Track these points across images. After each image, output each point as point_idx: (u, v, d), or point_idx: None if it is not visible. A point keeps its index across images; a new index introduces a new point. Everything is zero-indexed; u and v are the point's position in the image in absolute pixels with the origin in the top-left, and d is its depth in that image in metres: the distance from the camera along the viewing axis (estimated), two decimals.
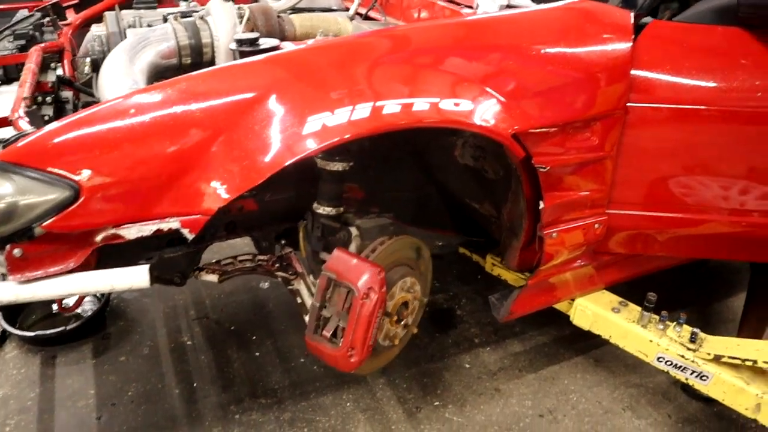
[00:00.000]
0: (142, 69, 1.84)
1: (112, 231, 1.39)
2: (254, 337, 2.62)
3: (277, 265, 1.96)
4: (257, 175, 1.36)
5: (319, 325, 1.62)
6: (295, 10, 2.15)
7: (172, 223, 1.40)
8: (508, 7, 1.91)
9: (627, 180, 1.85)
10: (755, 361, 1.83)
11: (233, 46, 1.74)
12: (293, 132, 1.38)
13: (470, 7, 2.03)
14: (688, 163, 1.86)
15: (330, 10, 2.26)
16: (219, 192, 1.38)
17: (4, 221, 1.32)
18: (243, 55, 1.70)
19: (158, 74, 1.89)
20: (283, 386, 2.36)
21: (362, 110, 1.40)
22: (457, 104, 1.49)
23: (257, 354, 2.53)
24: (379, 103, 1.41)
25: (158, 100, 1.39)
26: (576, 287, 2.09)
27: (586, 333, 2.21)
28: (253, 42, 1.70)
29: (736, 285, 3.07)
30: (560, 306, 2.13)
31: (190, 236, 1.41)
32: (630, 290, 2.19)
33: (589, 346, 2.58)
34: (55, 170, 1.31)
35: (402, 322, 1.76)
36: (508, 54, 1.61)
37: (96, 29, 2.11)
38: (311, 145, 1.37)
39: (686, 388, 2.36)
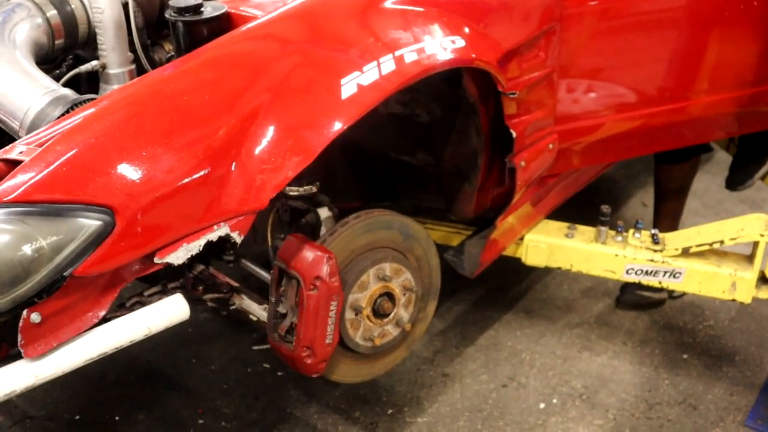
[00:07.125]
0: (25, 54, 1.43)
1: (156, 259, 1.15)
2: (117, 417, 1.91)
3: (201, 287, 1.53)
4: (307, 154, 1.22)
5: (277, 323, 1.42)
6: None
7: (221, 231, 1.23)
8: None
9: (567, 91, 1.78)
10: (722, 241, 1.79)
11: (170, 15, 1.40)
12: (332, 101, 1.24)
13: None
14: (615, 60, 1.83)
15: None
16: (268, 181, 1.21)
17: (24, 277, 1.05)
18: (186, 25, 1.37)
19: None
20: None
21: (387, 64, 1.30)
22: (453, 42, 1.41)
23: None
24: (398, 53, 1.33)
25: (175, 87, 1.21)
26: (522, 225, 1.86)
27: (501, 287, 2.28)
28: (197, 9, 1.36)
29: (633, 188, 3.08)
30: (508, 250, 1.86)
31: (239, 240, 1.24)
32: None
33: (511, 299, 2.34)
34: (79, 197, 1.07)
35: (388, 318, 1.51)
36: None
37: None
38: (354, 111, 1.24)
39: (623, 299, 2.29)
